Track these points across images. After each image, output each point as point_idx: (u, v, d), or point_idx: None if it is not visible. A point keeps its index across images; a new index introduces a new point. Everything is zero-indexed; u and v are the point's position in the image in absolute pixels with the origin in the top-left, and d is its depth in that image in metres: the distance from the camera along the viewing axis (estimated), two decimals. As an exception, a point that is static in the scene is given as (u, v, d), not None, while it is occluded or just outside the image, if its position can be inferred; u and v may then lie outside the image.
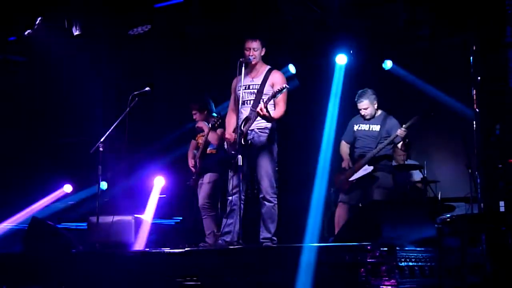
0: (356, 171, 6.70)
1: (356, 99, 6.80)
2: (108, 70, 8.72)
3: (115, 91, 8.16)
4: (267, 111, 5.59)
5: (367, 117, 6.75)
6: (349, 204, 6.72)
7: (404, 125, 6.53)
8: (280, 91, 5.63)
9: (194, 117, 7.29)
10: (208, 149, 7.14)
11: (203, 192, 7.15)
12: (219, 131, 6.92)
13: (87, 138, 7.61)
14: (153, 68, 8.81)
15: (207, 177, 7.10)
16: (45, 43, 8.46)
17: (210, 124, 6.88)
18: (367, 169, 6.62)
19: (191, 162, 7.24)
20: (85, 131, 8.72)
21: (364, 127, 6.80)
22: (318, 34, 7.98)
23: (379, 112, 6.79)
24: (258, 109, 5.58)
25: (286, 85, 5.65)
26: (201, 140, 7.16)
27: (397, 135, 6.52)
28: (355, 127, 6.86)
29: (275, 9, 7.55)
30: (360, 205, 6.69)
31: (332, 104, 7.70)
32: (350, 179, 6.71)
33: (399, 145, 6.69)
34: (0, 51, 8.93)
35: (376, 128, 6.73)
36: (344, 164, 6.84)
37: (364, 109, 6.73)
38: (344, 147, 6.98)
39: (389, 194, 6.62)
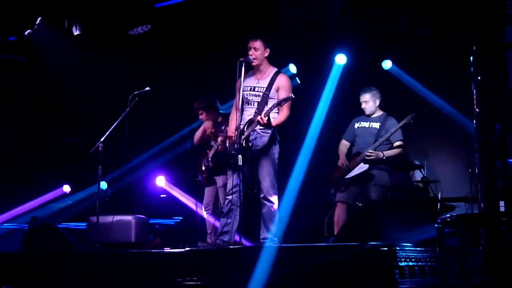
0: (351, 169, 6.66)
1: (360, 94, 6.79)
2: (108, 70, 8.72)
3: (115, 91, 8.15)
4: (268, 119, 5.60)
5: (367, 112, 6.74)
6: (347, 203, 6.67)
7: (397, 125, 6.52)
8: (285, 100, 5.61)
9: (200, 117, 7.18)
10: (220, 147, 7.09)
11: (212, 192, 7.11)
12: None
13: (87, 138, 7.60)
14: (153, 68, 8.81)
15: (220, 180, 7.00)
16: (45, 43, 8.48)
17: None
18: (362, 167, 6.56)
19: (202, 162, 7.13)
20: (85, 131, 8.73)
21: (365, 124, 6.77)
22: (318, 34, 7.99)
23: (380, 112, 6.77)
24: (258, 118, 5.60)
25: (292, 95, 5.60)
26: (220, 139, 6.86)
27: (392, 133, 6.50)
28: (356, 125, 6.83)
29: (275, 9, 7.57)
30: (360, 204, 6.67)
31: (323, 104, 7.66)
32: (346, 177, 6.67)
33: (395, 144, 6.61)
34: (0, 51, 8.94)
35: (376, 125, 6.70)
36: (340, 163, 6.79)
37: (365, 102, 6.72)
38: (343, 146, 6.91)
39: (386, 192, 6.59)
